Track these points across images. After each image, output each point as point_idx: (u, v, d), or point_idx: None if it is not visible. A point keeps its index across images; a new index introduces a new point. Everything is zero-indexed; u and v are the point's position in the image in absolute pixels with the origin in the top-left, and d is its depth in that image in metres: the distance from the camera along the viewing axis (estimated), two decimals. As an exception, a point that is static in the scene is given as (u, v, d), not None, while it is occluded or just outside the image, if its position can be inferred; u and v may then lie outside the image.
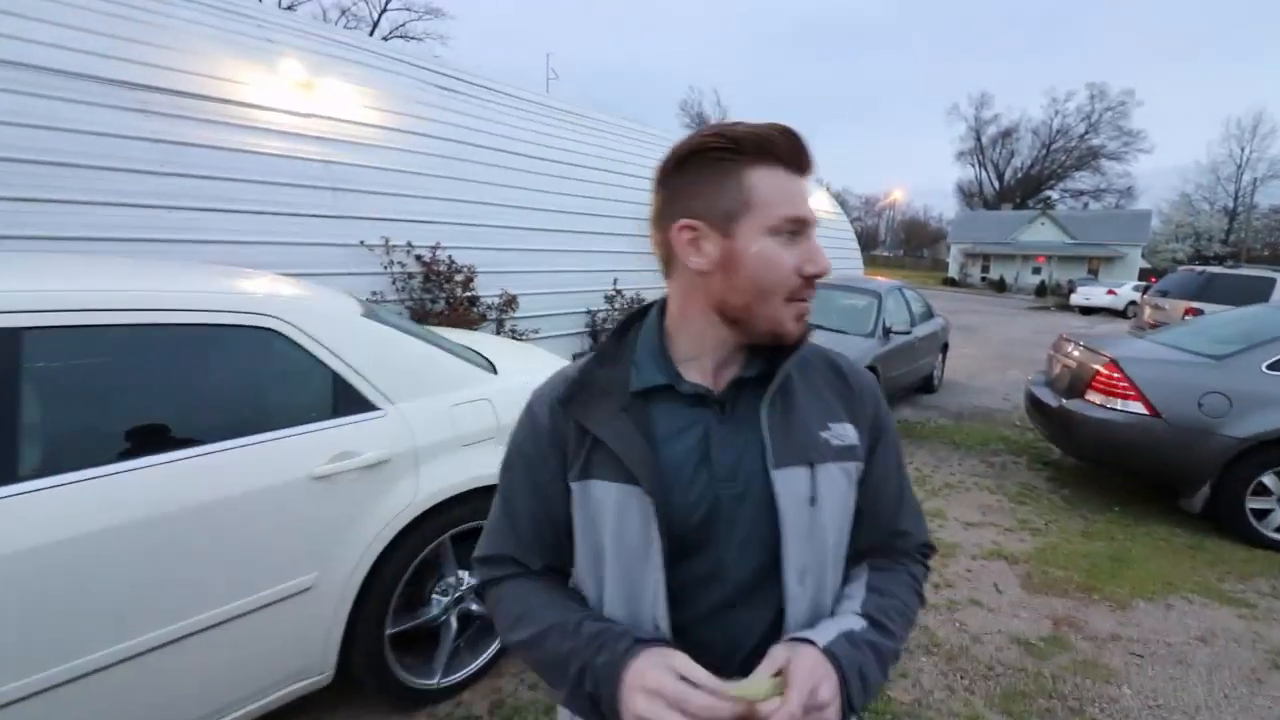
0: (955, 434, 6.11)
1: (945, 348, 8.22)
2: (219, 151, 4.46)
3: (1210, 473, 3.90)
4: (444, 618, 2.30)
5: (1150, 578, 3.42)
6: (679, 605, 0.74)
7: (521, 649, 0.78)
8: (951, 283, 41.40)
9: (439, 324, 5.06)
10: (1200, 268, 10.27)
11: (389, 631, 2.10)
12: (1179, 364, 4.12)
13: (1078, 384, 4.51)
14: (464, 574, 2.35)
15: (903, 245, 77.06)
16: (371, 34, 34.30)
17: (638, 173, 8.39)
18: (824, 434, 0.78)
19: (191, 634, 1.62)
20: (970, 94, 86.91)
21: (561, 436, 0.79)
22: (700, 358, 0.78)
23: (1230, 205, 46.78)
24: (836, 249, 14.26)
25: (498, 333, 5.61)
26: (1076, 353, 4.74)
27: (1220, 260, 31.45)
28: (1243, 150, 47.81)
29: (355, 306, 2.26)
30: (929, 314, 7.71)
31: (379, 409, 2.07)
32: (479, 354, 2.78)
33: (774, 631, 0.75)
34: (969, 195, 59.78)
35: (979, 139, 58.30)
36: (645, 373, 0.77)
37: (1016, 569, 3.50)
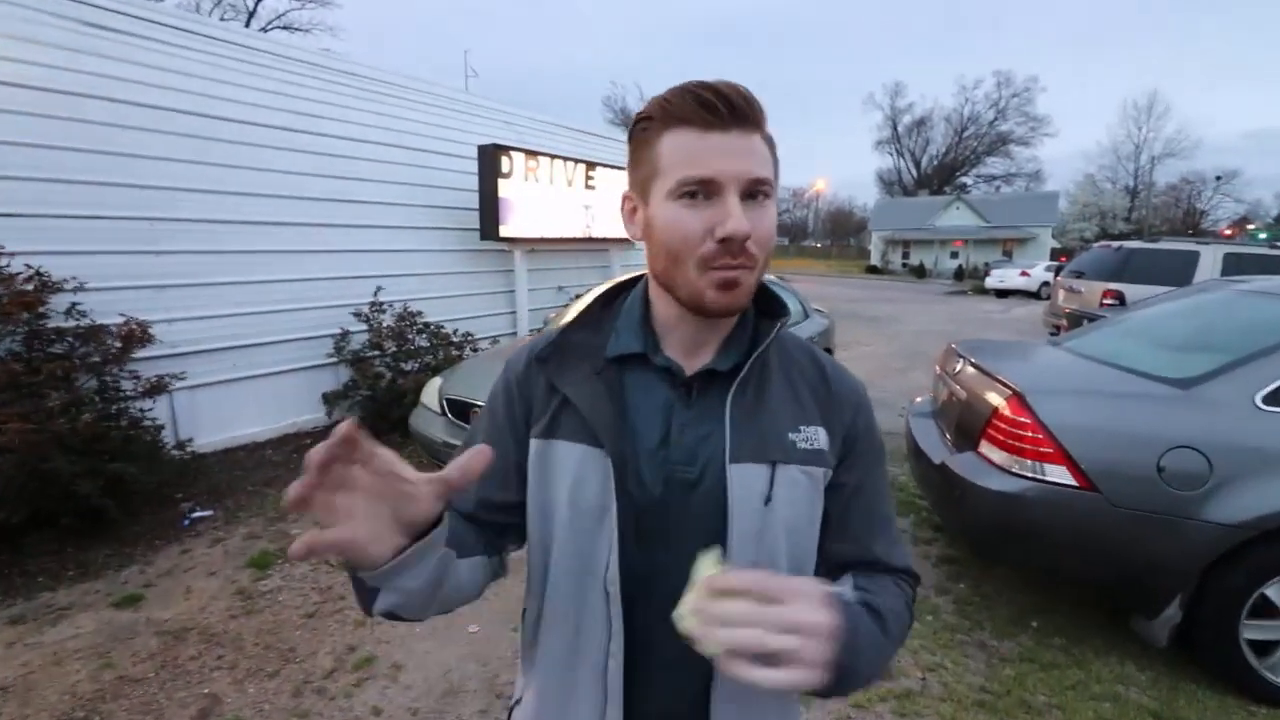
0: (825, 481, 4.46)
1: (829, 354, 6.61)
2: None
3: (1182, 582, 2.30)
4: None
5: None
6: (631, 583, 0.71)
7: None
8: (874, 270, 41.14)
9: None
10: (1117, 243, 9.08)
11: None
12: (1121, 397, 2.50)
13: (968, 426, 2.86)
14: None
15: (830, 235, 77.60)
16: (248, 23, 30.98)
17: (426, 146, 6.44)
18: (792, 435, 0.73)
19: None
20: (885, 83, 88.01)
21: (529, 390, 0.77)
22: (673, 331, 0.75)
23: (1131, 184, 48.39)
24: (729, 239, 12.65)
25: (100, 381, 3.58)
26: (968, 372, 3.11)
27: (1125, 237, 31.85)
28: (1140, 130, 49.59)
29: None
30: (804, 314, 6.09)
31: None
32: None
33: None
34: (888, 184, 60.43)
35: (895, 128, 59.02)
36: (623, 339, 0.76)
37: (853, 836, 1.78)
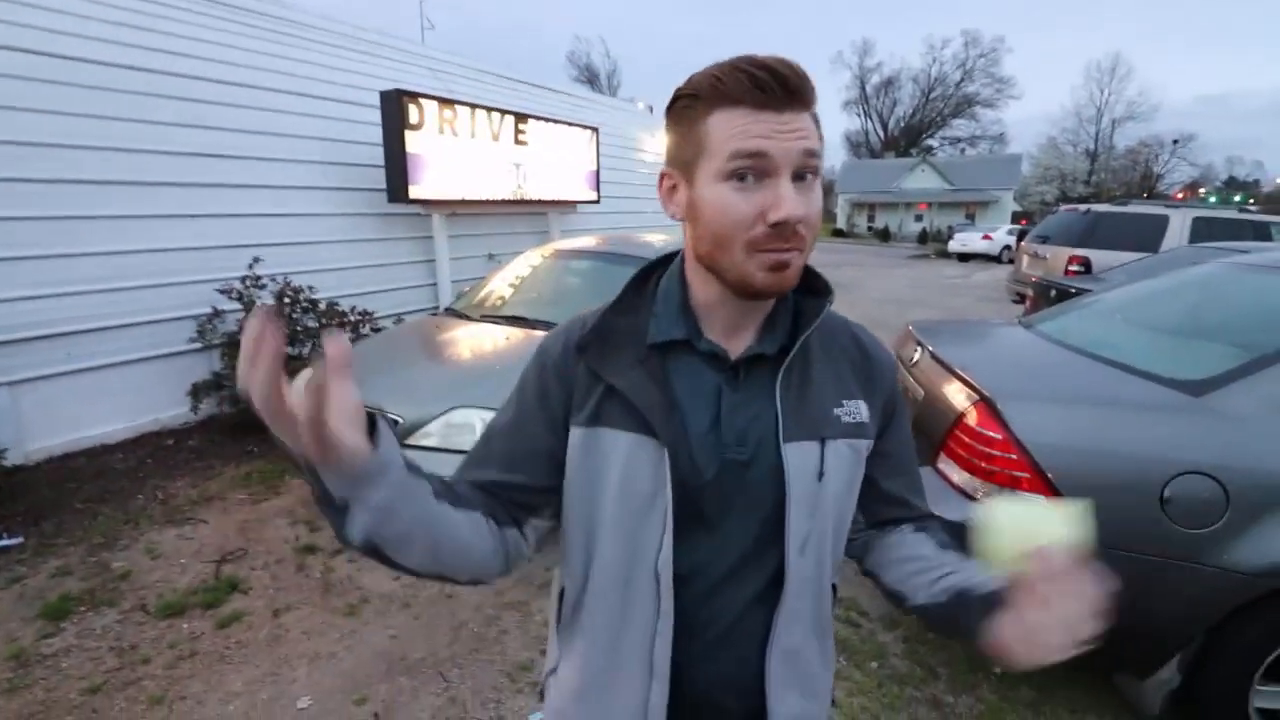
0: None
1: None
2: None
3: (1184, 638, 1.82)
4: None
5: None
6: (679, 565, 0.72)
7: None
8: (840, 233, 40.79)
9: None
10: (1084, 206, 8.68)
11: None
12: (1117, 405, 1.98)
13: (925, 432, 2.34)
14: None
15: (797, 198, 76.97)
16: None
17: (325, 93, 5.60)
18: (837, 410, 0.76)
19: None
20: (853, 41, 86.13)
21: (569, 377, 0.76)
22: (714, 314, 0.75)
23: (1092, 147, 48.71)
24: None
25: None
26: (926, 363, 2.58)
27: (1084, 200, 31.94)
28: (1102, 93, 49.74)
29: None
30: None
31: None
32: None
33: (762, 601, 0.75)
34: (856, 145, 59.90)
35: (863, 88, 58.28)
36: (664, 325, 0.75)
37: None
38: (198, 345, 4.28)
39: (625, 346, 0.74)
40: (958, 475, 2.06)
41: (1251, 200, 39.32)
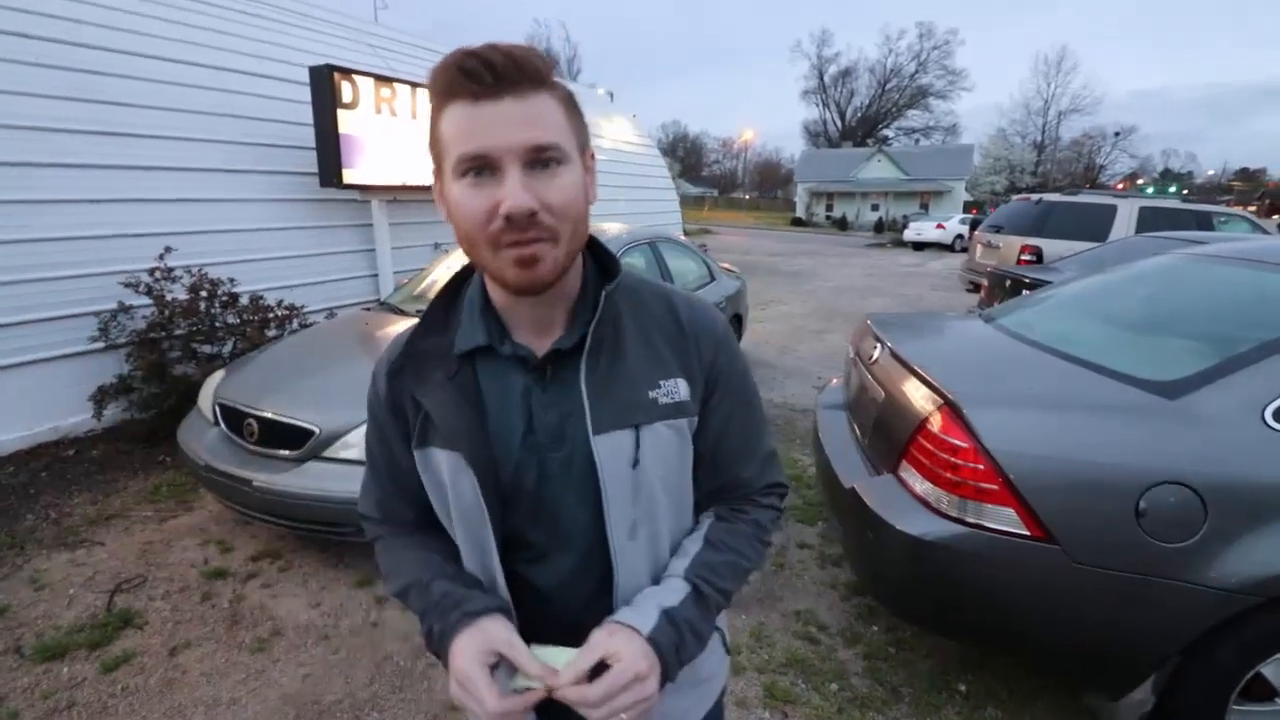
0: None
1: (739, 320, 5.93)
2: None
3: (1160, 657, 1.71)
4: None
5: None
6: (520, 564, 0.75)
7: (400, 600, 0.79)
8: (800, 222, 41.10)
9: None
10: (1037, 196, 8.74)
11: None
12: (1089, 409, 1.84)
13: (888, 434, 2.19)
14: None
15: (758, 187, 77.43)
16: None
17: (251, 69, 5.17)
18: (653, 393, 0.74)
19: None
20: (812, 31, 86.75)
21: (397, 401, 0.77)
22: (514, 314, 0.74)
23: (1039, 139, 50.14)
24: (643, 188, 11.76)
25: None
26: (886, 361, 2.42)
27: (1031, 190, 32.83)
28: (1049, 85, 51.19)
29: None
30: (709, 277, 5.35)
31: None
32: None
33: (604, 586, 0.75)
34: (814, 135, 60.45)
35: (821, 78, 58.82)
36: (466, 334, 0.74)
37: None
38: (100, 345, 3.87)
39: (437, 365, 0.74)
40: (921, 485, 1.91)
41: (1185, 191, 41.10)
